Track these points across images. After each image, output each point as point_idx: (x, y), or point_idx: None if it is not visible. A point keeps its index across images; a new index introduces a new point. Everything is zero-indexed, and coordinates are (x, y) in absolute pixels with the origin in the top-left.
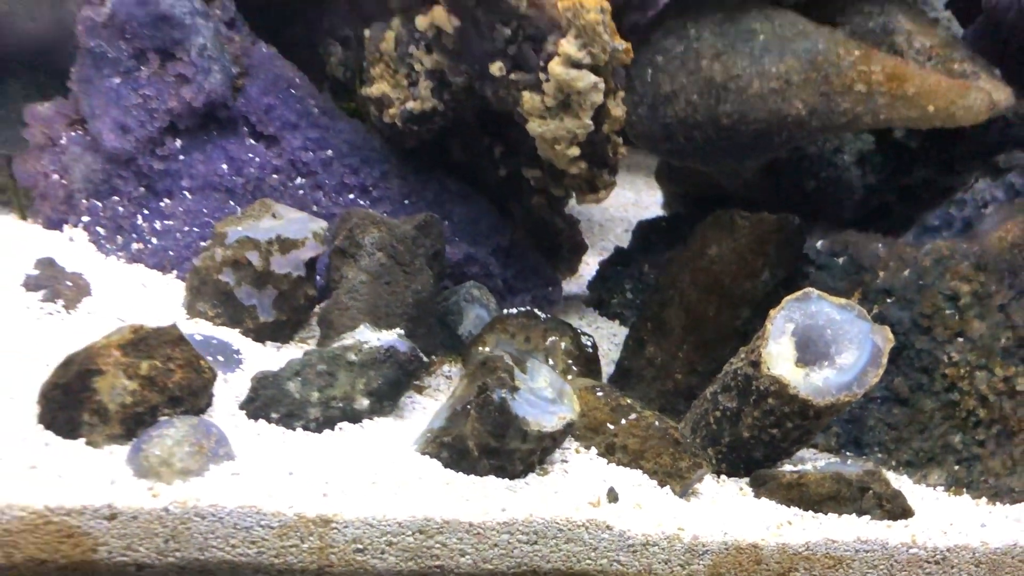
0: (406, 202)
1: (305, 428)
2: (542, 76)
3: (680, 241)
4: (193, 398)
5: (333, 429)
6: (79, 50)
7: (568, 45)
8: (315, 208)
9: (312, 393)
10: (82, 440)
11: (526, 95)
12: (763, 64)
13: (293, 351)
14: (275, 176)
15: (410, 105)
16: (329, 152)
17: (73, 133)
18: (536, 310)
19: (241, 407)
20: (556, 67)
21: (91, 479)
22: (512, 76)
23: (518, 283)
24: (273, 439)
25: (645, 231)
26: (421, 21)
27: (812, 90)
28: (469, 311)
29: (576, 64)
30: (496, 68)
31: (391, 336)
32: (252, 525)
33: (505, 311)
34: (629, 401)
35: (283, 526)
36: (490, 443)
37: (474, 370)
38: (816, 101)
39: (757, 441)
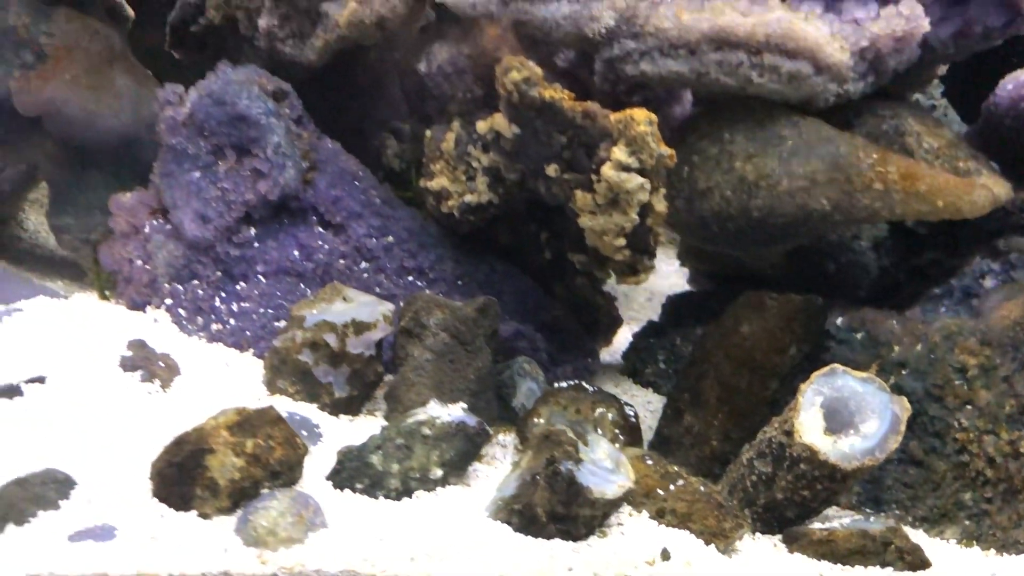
0: (459, 283)
1: (386, 497)
2: (594, 177)
3: (709, 316)
4: (290, 472)
5: (411, 497)
6: (161, 146)
7: (620, 152)
8: (378, 289)
9: (392, 465)
10: (194, 512)
11: (578, 193)
12: (791, 165)
13: (363, 423)
14: (342, 261)
15: (468, 198)
16: (390, 238)
17: (155, 222)
18: (584, 383)
19: (328, 478)
20: (608, 171)
21: (205, 548)
22: (565, 176)
23: (560, 355)
24: (359, 508)
25: (675, 305)
26: (482, 126)
27: (836, 188)
28: (521, 384)
29: (626, 168)
30: (552, 169)
31: (458, 411)
32: None
33: (556, 384)
34: (676, 468)
35: None
36: (558, 510)
37: (538, 442)
38: (839, 198)
39: (790, 502)
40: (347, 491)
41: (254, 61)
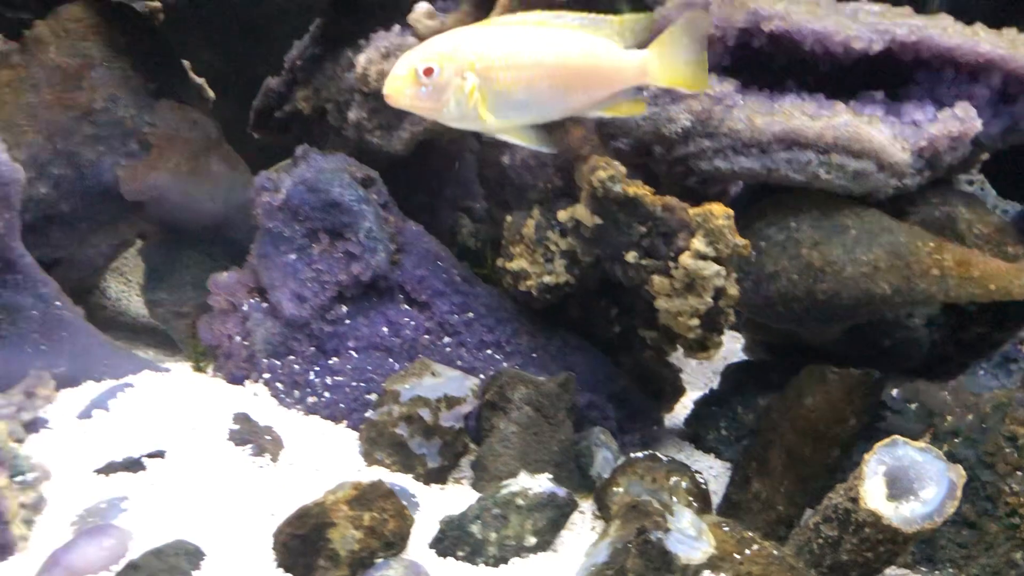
0: (534, 355)
1: (485, 564)
2: (671, 264)
3: (770, 387)
4: (401, 542)
5: (507, 564)
6: (258, 229)
7: (698, 242)
8: (460, 363)
9: (491, 534)
10: None
11: (656, 278)
12: (855, 253)
13: (452, 491)
14: (426, 336)
15: (546, 279)
16: (470, 314)
17: (253, 300)
18: (657, 453)
19: (431, 546)
20: (687, 259)
21: None
22: (643, 261)
23: (628, 424)
24: (462, 575)
25: (735, 374)
26: (563, 215)
27: (896, 274)
28: (598, 454)
29: (703, 256)
30: (631, 256)
31: (546, 481)
32: None
33: (631, 455)
34: (750, 534)
35: None
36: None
37: (626, 511)
38: (899, 283)
39: (854, 563)
40: (449, 558)
41: (341, 148)
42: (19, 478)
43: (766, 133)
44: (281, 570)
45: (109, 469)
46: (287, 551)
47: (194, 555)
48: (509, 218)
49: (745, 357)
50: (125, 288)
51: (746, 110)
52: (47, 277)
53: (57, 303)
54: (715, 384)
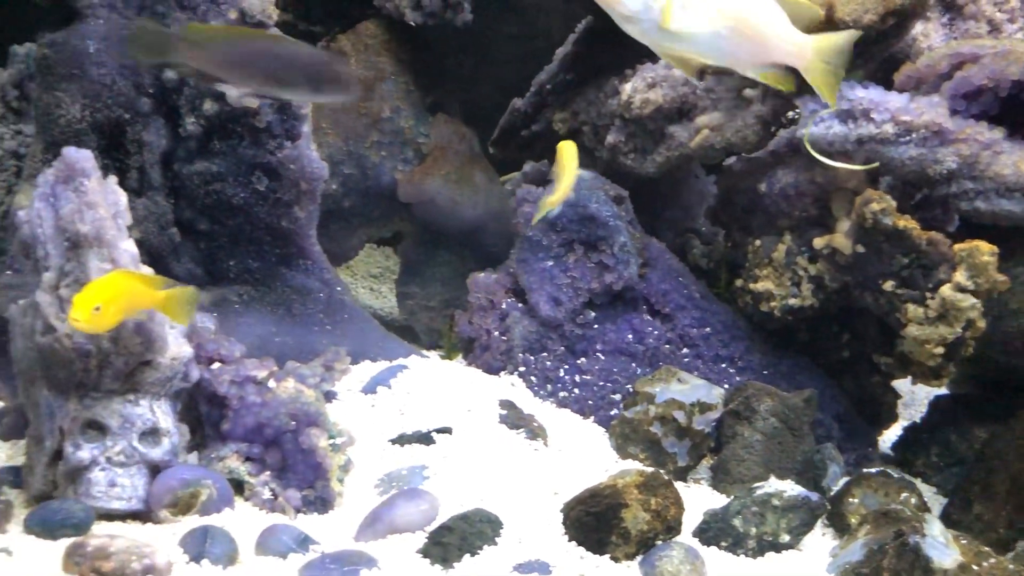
0: (764, 372)
1: (745, 555)
2: (927, 294)
3: (984, 417)
4: (678, 527)
5: (764, 557)
6: (518, 236)
7: (960, 275)
8: (695, 373)
9: (751, 528)
10: (607, 556)
11: (910, 307)
12: None
13: (692, 490)
14: (667, 346)
15: (791, 301)
16: (708, 329)
17: (510, 300)
18: (887, 470)
19: (694, 535)
20: (947, 290)
21: None
22: (898, 291)
23: (847, 444)
24: (725, 562)
25: (946, 406)
26: (819, 242)
27: None
28: (830, 467)
29: (962, 289)
30: (888, 285)
31: (795, 486)
32: None
33: (864, 470)
34: (986, 548)
35: None
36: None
37: (876, 518)
38: None
39: None
40: (713, 547)
41: (591, 167)
42: (331, 441)
43: None
44: (573, 543)
45: (402, 440)
46: (580, 527)
47: (495, 523)
48: (757, 242)
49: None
50: (351, 280)
51: (1014, 155)
52: (329, 264)
53: (338, 288)
54: (910, 413)
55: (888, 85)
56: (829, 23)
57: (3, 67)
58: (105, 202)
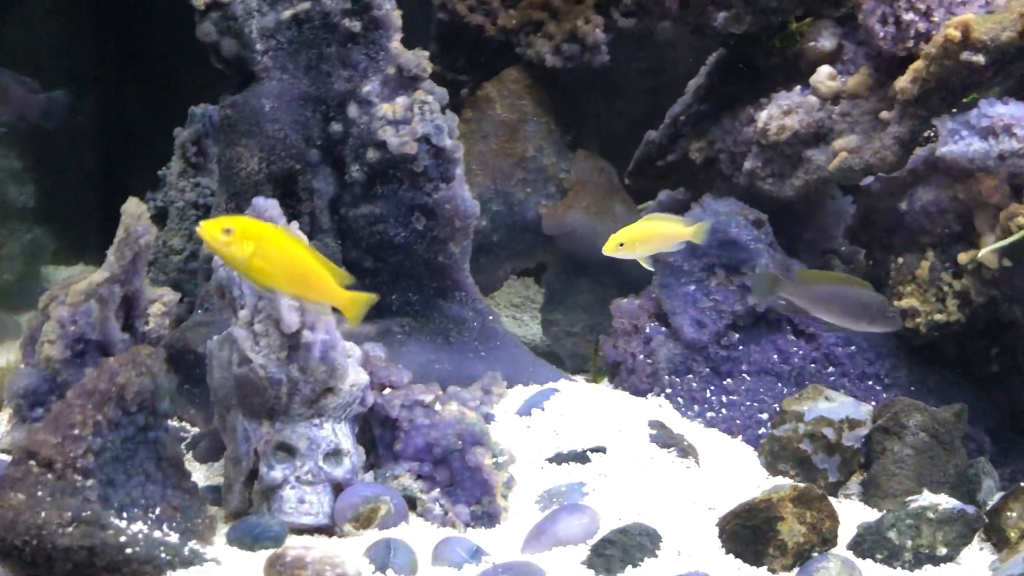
0: (912, 388)
1: (902, 567)
2: None
3: None
4: (833, 539)
5: (921, 570)
6: (658, 262)
7: None
8: (842, 391)
9: (907, 541)
10: (764, 567)
11: None
12: None
13: (843, 504)
14: (813, 365)
15: (936, 317)
16: (853, 347)
17: (654, 324)
18: None
19: (848, 547)
20: None
21: None
22: None
23: (1001, 459)
24: (883, 575)
25: None
26: (963, 257)
27: None
28: (984, 481)
29: None
30: None
31: (951, 499)
32: None
33: (1020, 483)
34: None
35: None
36: None
37: None
38: None
39: None
40: (868, 560)
41: (729, 194)
42: (494, 460)
43: None
44: (731, 556)
45: (559, 459)
46: (736, 539)
47: (654, 537)
48: (899, 260)
49: None
50: (491, 304)
51: None
52: (481, 295)
53: (490, 317)
54: None
55: None
56: (966, 44)
57: (183, 127)
58: None
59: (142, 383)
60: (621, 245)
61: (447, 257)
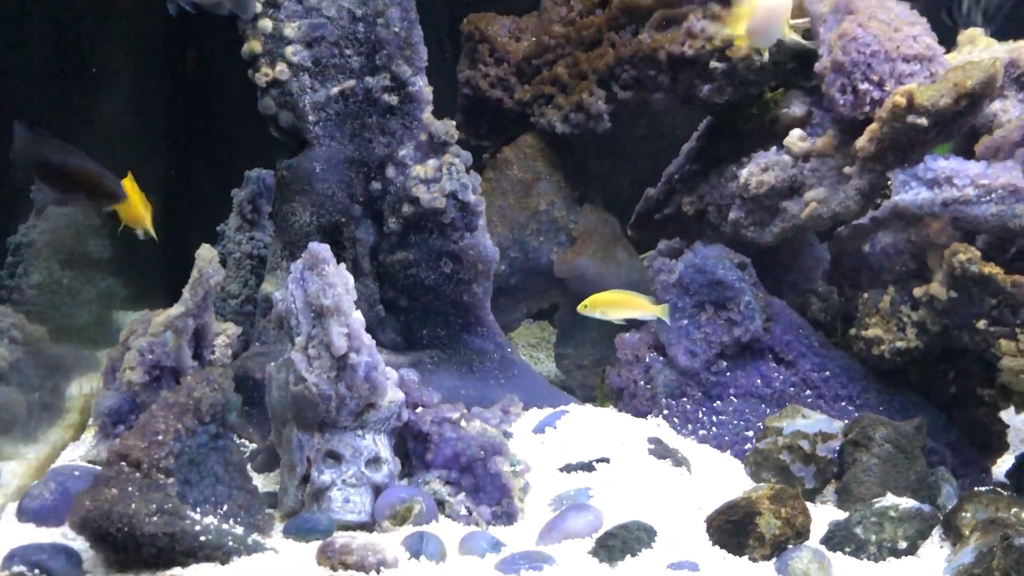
0: (880, 408)
1: (867, 559)
2: (1017, 330)
3: None
4: (806, 533)
5: (884, 561)
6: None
7: None
8: (818, 411)
9: (871, 535)
10: (746, 557)
11: (1002, 342)
12: None
13: (820, 509)
14: (792, 389)
15: (898, 344)
16: (827, 373)
17: (652, 354)
18: (998, 488)
19: (821, 542)
20: None
21: None
22: (991, 328)
23: (960, 470)
24: (849, 565)
25: None
26: (918, 291)
27: None
28: (943, 487)
29: None
30: (981, 324)
31: (910, 500)
32: None
33: (975, 488)
34: None
35: None
36: (1011, 574)
37: (984, 525)
38: None
39: None
40: (838, 552)
41: (716, 241)
42: (512, 468)
43: None
44: (716, 547)
45: (569, 469)
46: (721, 533)
47: (649, 531)
48: (865, 295)
49: None
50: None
51: None
52: (501, 331)
53: (509, 349)
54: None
55: (971, 156)
56: (911, 109)
57: (240, 188)
58: (340, 282)
59: (215, 397)
60: (586, 307)
61: (471, 297)
